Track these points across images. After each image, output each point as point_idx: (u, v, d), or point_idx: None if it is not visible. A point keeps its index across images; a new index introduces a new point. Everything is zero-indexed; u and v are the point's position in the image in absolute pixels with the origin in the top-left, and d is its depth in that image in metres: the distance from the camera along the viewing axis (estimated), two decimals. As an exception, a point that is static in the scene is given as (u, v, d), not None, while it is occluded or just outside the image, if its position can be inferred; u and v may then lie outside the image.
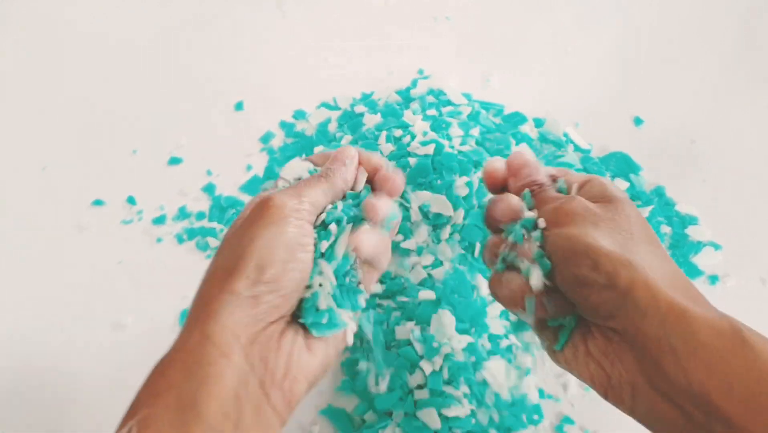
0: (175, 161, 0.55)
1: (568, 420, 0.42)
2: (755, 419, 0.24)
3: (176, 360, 0.27)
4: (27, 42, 0.64)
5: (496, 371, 0.42)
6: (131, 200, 0.53)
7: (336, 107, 0.58)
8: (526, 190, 0.34)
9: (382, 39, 0.63)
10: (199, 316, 0.28)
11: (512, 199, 0.33)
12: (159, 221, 0.52)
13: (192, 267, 0.50)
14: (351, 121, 0.55)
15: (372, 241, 0.32)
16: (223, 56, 0.63)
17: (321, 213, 0.32)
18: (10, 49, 0.63)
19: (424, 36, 0.64)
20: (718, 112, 0.58)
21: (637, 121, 0.57)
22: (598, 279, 0.28)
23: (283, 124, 0.58)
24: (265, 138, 0.57)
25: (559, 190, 0.34)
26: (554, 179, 0.35)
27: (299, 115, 0.58)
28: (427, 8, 0.66)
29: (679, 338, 0.26)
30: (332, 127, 0.56)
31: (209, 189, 0.53)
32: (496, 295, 0.33)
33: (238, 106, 0.59)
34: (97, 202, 0.53)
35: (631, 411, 0.28)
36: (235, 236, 0.31)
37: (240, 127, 0.57)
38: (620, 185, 0.52)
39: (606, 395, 0.29)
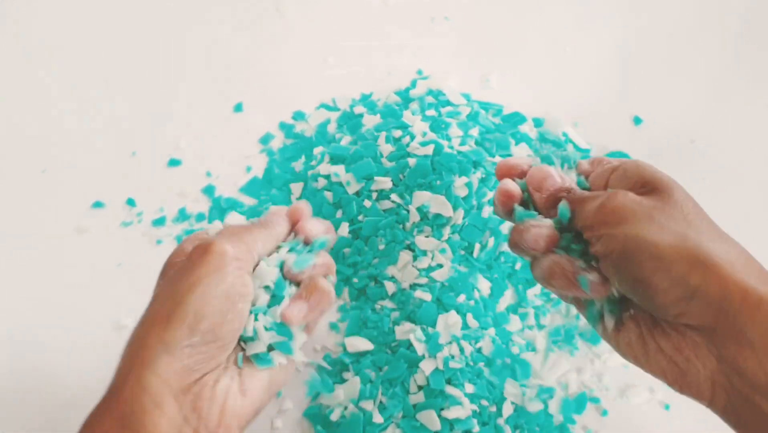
0: (174, 163, 0.55)
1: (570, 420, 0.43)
2: None
3: (111, 409, 0.28)
4: (25, 44, 0.64)
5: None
6: (131, 202, 0.53)
7: (335, 108, 0.58)
8: (563, 204, 0.31)
9: (382, 39, 0.63)
10: (134, 363, 0.28)
11: (543, 228, 0.31)
12: (159, 222, 0.52)
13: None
14: (350, 122, 0.55)
15: (303, 311, 0.32)
16: (222, 57, 0.62)
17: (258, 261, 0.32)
18: (9, 50, 0.63)
19: (424, 36, 0.64)
20: (718, 112, 0.58)
21: (637, 121, 0.57)
22: (664, 280, 0.26)
23: (283, 126, 0.58)
24: (265, 139, 0.57)
25: (578, 185, 0.32)
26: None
27: (298, 116, 0.58)
28: (426, 8, 0.66)
29: (756, 330, 0.25)
30: (331, 128, 0.56)
31: (209, 190, 0.53)
32: (535, 272, 0.32)
33: (237, 108, 0.59)
34: (97, 205, 0.53)
35: (710, 405, 0.27)
36: (173, 281, 0.30)
37: (239, 128, 0.57)
38: None
39: (681, 390, 0.28)
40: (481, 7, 0.66)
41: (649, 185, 0.30)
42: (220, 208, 0.52)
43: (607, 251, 0.28)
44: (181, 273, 0.30)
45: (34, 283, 0.49)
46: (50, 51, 0.63)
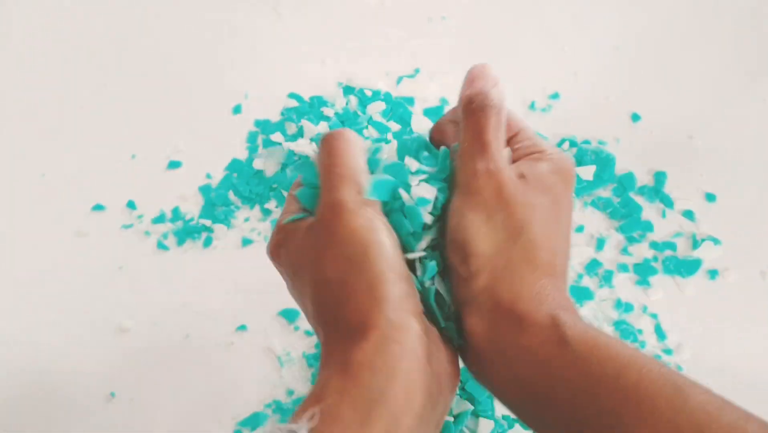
0: (174, 165, 0.55)
1: None
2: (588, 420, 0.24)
3: (358, 344, 0.25)
4: (24, 47, 0.64)
5: None
6: (131, 205, 0.53)
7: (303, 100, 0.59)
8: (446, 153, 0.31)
9: (379, 40, 0.64)
10: (367, 311, 0.26)
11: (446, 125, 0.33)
12: (159, 220, 0.52)
13: (192, 270, 0.50)
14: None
15: None
16: (220, 59, 0.63)
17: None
18: (8, 54, 0.64)
19: (421, 36, 0.64)
20: (716, 108, 0.58)
21: (635, 118, 0.57)
22: (462, 273, 0.28)
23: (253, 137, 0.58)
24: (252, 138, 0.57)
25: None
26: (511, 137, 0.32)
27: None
28: (423, 8, 0.66)
29: (508, 344, 0.26)
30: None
31: (205, 190, 0.53)
32: None
33: (236, 110, 0.59)
34: (97, 208, 0.53)
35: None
36: (329, 255, 0.28)
37: (238, 130, 0.58)
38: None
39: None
40: (479, 6, 0.66)
41: (533, 157, 0.30)
42: (211, 203, 0.52)
43: (446, 222, 0.29)
44: (330, 242, 0.28)
45: (35, 287, 0.49)
46: (49, 54, 0.63)
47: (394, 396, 0.24)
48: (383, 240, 0.27)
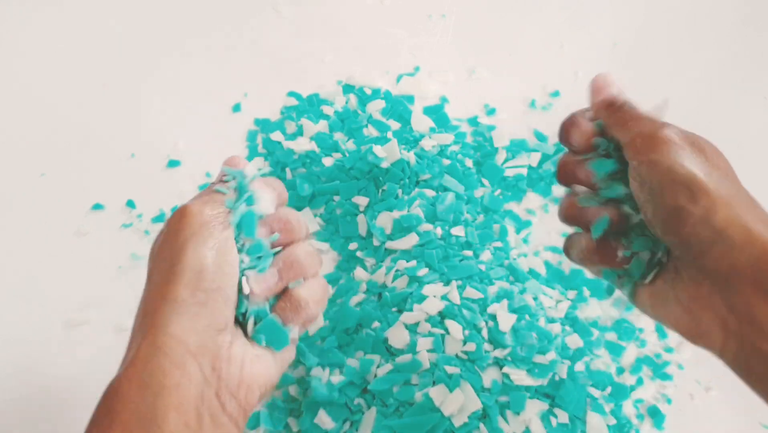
0: (173, 164, 0.55)
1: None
2: None
3: (129, 376, 0.27)
4: (24, 47, 0.64)
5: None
6: (131, 204, 0.53)
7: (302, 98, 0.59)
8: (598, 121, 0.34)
9: (379, 38, 0.63)
10: (146, 329, 0.28)
11: (583, 122, 0.34)
12: (158, 219, 0.52)
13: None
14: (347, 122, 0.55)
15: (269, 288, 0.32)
16: (220, 58, 0.63)
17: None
18: (7, 53, 0.63)
19: (420, 35, 0.64)
20: (717, 106, 0.58)
21: (635, 116, 0.57)
22: (695, 211, 0.27)
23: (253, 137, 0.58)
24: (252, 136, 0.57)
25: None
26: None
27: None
28: (422, 7, 0.66)
29: None
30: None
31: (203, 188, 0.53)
32: (569, 254, 0.34)
33: (236, 108, 0.59)
34: (97, 207, 0.53)
35: (721, 354, 0.28)
36: (163, 248, 0.30)
37: (238, 128, 0.58)
38: None
39: (694, 340, 0.29)
40: (479, 5, 0.66)
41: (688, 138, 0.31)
42: None
43: (647, 176, 0.29)
44: (167, 240, 0.30)
45: (35, 286, 0.49)
46: (49, 54, 0.63)
47: (165, 416, 0.25)
48: (205, 254, 0.28)
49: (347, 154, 0.52)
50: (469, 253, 0.46)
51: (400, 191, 0.49)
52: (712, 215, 0.27)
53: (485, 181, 0.52)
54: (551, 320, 0.44)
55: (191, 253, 0.28)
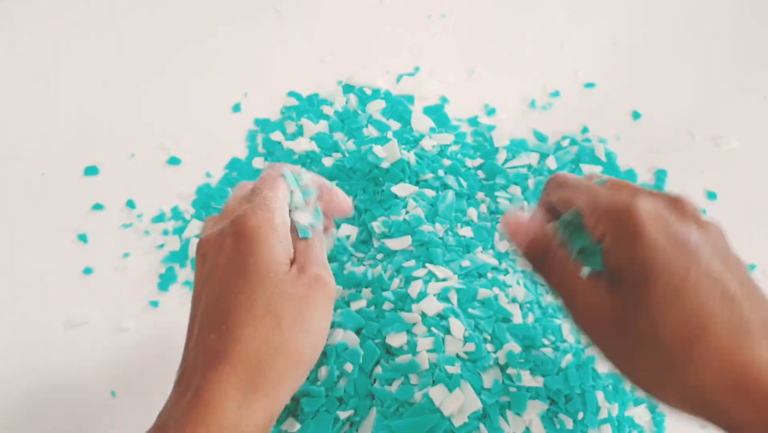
0: (173, 163, 0.55)
1: None
2: None
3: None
4: (24, 47, 0.64)
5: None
6: (131, 204, 0.53)
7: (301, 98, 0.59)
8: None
9: (379, 38, 0.63)
10: (193, 402, 0.27)
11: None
12: (158, 219, 0.52)
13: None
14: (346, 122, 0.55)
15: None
16: (220, 58, 0.63)
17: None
18: (7, 53, 0.63)
19: (420, 34, 0.64)
20: (717, 105, 0.58)
21: (636, 116, 0.57)
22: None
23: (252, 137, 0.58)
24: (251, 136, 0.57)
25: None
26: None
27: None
28: (422, 7, 0.66)
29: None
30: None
31: (201, 190, 0.53)
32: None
33: (236, 108, 0.59)
34: (97, 207, 0.53)
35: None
36: (216, 278, 0.30)
37: (238, 128, 0.58)
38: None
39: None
40: (479, 4, 0.66)
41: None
42: (205, 196, 0.52)
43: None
44: (223, 266, 0.30)
45: (35, 286, 0.49)
46: (49, 53, 0.63)
47: None
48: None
49: (347, 155, 0.52)
50: (470, 252, 0.46)
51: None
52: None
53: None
54: (554, 316, 0.44)
55: (251, 326, 0.28)
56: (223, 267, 0.30)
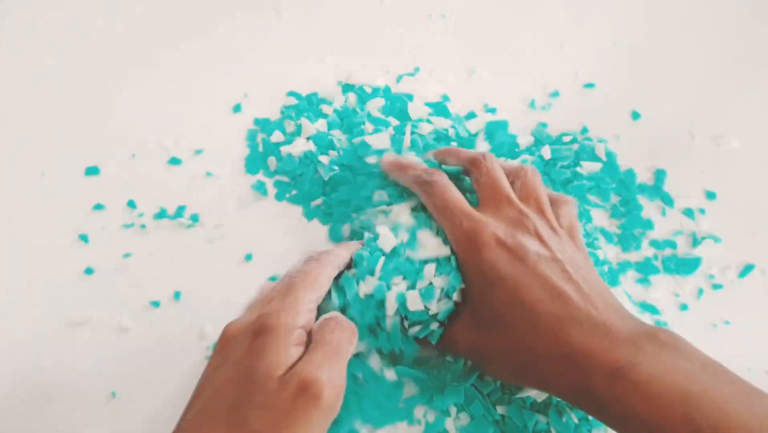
0: (174, 163, 0.55)
1: None
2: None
3: None
4: (24, 46, 0.64)
5: None
6: (131, 204, 0.53)
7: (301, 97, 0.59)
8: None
9: (378, 38, 0.64)
10: None
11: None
12: (159, 216, 0.52)
13: (194, 269, 0.50)
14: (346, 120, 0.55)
15: None
16: (220, 58, 0.63)
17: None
18: (7, 53, 0.63)
19: (420, 34, 0.64)
20: (717, 105, 0.58)
21: (635, 116, 0.57)
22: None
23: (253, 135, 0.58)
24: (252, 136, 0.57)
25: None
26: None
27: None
28: (422, 7, 0.66)
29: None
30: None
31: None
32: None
33: (236, 109, 0.59)
34: (98, 207, 0.53)
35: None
36: (224, 372, 0.31)
37: (239, 128, 0.58)
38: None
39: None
40: (479, 4, 0.66)
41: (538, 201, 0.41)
42: None
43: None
44: (237, 381, 0.30)
45: (35, 286, 0.49)
46: (48, 53, 0.63)
47: None
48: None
49: (341, 153, 0.52)
50: None
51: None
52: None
53: None
54: None
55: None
56: (234, 364, 0.31)
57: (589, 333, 0.32)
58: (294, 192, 0.53)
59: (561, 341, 0.32)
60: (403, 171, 0.44)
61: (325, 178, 0.52)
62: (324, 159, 0.52)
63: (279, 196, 0.53)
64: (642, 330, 0.32)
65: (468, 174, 0.43)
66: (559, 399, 0.39)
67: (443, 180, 0.40)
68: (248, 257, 0.50)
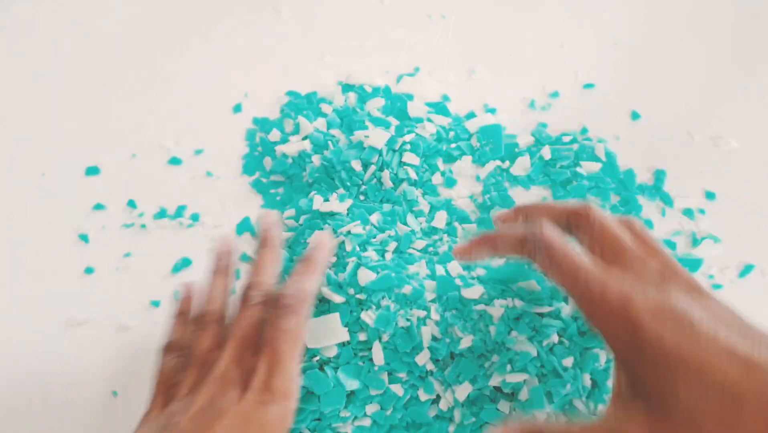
0: (174, 163, 0.55)
1: None
2: None
3: None
4: (24, 46, 0.64)
5: None
6: (132, 204, 0.53)
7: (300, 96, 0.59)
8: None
9: (379, 38, 0.64)
10: None
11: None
12: (160, 215, 0.52)
13: (195, 270, 0.50)
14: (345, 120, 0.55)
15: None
16: (220, 58, 0.63)
17: None
18: (7, 53, 0.63)
19: (420, 35, 0.64)
20: (717, 105, 0.58)
21: (635, 116, 0.57)
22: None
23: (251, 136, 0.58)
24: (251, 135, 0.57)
25: None
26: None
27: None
28: (422, 7, 0.66)
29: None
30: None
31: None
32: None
33: (237, 108, 0.59)
34: (98, 207, 0.53)
35: None
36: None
37: (239, 128, 0.58)
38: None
39: None
40: (479, 5, 0.66)
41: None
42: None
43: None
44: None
45: (35, 286, 0.49)
46: (48, 53, 0.63)
47: None
48: None
49: (332, 147, 0.52)
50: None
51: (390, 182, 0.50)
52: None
53: None
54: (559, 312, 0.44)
55: None
56: None
57: None
58: (281, 190, 0.53)
59: None
60: (496, 241, 0.36)
61: (310, 181, 0.51)
62: (316, 159, 0.52)
63: (266, 200, 0.53)
64: None
65: (569, 230, 0.35)
66: None
67: (559, 237, 0.32)
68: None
